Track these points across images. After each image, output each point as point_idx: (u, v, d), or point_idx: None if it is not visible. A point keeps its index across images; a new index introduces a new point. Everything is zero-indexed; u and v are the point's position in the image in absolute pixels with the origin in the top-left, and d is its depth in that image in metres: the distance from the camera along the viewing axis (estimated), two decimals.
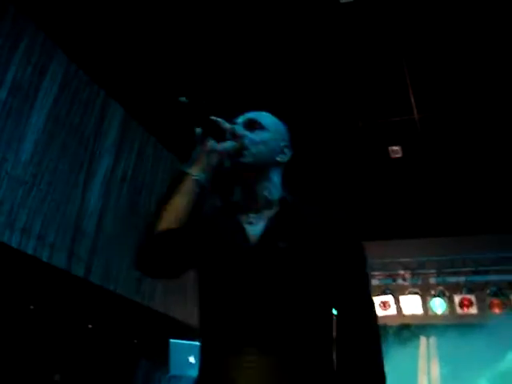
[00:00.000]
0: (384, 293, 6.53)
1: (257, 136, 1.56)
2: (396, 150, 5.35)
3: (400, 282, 6.62)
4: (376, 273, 6.67)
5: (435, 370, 6.25)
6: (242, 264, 1.42)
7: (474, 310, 6.14)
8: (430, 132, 5.02)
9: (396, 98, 4.61)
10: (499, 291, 6.07)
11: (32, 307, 4.34)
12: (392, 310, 6.48)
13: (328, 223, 1.49)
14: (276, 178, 1.60)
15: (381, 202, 6.38)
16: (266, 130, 1.59)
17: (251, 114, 1.63)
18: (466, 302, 6.17)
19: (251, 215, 1.53)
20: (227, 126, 1.54)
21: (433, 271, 6.48)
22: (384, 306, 6.52)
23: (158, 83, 4.67)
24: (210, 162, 1.55)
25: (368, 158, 5.56)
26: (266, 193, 1.55)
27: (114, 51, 4.33)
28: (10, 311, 3.99)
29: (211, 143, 1.54)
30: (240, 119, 1.61)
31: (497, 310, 6.08)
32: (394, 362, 5.98)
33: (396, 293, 6.52)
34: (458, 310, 6.19)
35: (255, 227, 1.49)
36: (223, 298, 1.43)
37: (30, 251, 3.86)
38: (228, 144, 1.52)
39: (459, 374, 5.55)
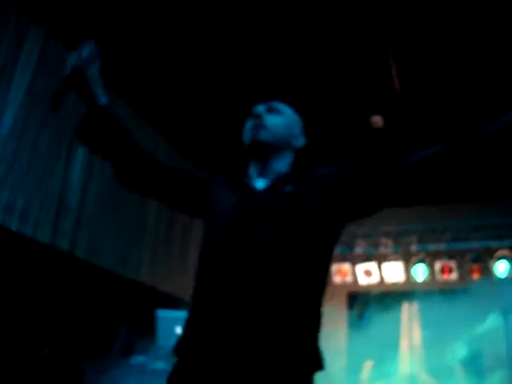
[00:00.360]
0: (367, 261, 6.64)
1: (275, 118, 1.70)
2: (377, 121, 5.38)
3: (382, 250, 6.73)
4: (359, 241, 6.78)
5: (417, 334, 6.42)
6: (249, 206, 1.55)
7: (454, 276, 6.30)
8: (412, 102, 5.05)
9: (377, 68, 4.61)
10: (478, 257, 6.22)
11: (18, 283, 4.35)
12: (375, 278, 6.61)
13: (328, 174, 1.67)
14: (288, 159, 1.73)
15: None
16: (283, 116, 1.75)
17: (272, 102, 1.77)
18: (446, 269, 6.32)
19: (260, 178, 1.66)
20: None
21: (414, 239, 6.59)
22: (367, 274, 6.64)
23: (137, 58, 4.62)
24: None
25: (349, 129, 5.59)
26: (277, 168, 1.67)
27: (93, 25, 4.26)
28: None
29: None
30: (261, 105, 1.74)
31: (476, 276, 6.23)
32: (377, 328, 6.17)
33: (379, 261, 6.64)
34: (439, 277, 6.34)
35: (263, 181, 1.63)
36: (224, 243, 1.51)
37: (13, 228, 3.86)
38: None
39: (440, 337, 5.71)
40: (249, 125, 1.69)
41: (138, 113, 5.38)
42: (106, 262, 4.86)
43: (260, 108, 1.72)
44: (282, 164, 1.69)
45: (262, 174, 1.66)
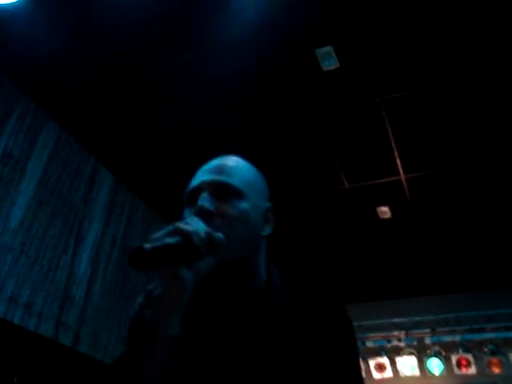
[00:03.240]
0: (379, 355, 6.39)
1: (234, 210, 1.06)
2: (384, 211, 5.40)
3: (395, 342, 6.50)
4: (370, 334, 6.56)
5: None
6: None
7: (472, 370, 5.99)
8: (418, 191, 5.09)
9: (382, 159, 4.70)
10: (496, 349, 5.96)
11: (15, 379, 4.18)
12: (388, 373, 6.33)
13: (319, 318, 1.13)
14: (262, 258, 1.15)
15: (372, 263, 6.37)
16: (244, 197, 1.09)
17: (217, 176, 1.10)
18: (463, 362, 6.03)
19: (231, 323, 1.12)
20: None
21: (427, 330, 6.38)
22: (380, 369, 6.37)
23: (147, 150, 4.74)
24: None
25: (357, 220, 5.60)
26: (252, 286, 1.11)
27: (105, 118, 4.42)
28: None
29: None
30: (203, 183, 1.09)
31: (496, 370, 5.93)
32: None
33: (391, 354, 6.39)
34: (456, 371, 6.05)
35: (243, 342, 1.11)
36: None
37: (16, 321, 3.78)
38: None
39: None
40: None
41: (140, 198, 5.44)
42: (110, 357, 4.70)
43: (204, 196, 1.06)
44: (256, 275, 1.14)
45: (230, 303, 1.16)
